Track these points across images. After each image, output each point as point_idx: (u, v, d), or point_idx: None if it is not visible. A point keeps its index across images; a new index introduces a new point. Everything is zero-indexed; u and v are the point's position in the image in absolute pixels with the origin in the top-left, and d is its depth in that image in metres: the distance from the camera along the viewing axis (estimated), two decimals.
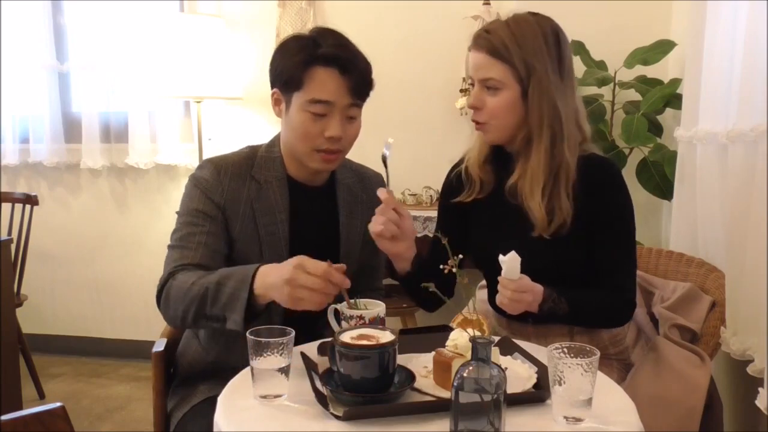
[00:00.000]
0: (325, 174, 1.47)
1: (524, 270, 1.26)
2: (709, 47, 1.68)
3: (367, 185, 1.53)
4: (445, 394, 1.02)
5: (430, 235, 2.45)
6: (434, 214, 2.47)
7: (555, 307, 1.30)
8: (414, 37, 2.86)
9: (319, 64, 1.31)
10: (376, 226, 1.29)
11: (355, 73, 1.33)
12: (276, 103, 1.40)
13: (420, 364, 1.15)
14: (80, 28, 3.22)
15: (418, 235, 2.50)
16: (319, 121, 1.33)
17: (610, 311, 1.39)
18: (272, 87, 1.39)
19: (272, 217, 1.39)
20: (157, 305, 1.34)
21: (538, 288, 1.28)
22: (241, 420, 0.99)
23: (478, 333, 1.05)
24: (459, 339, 1.07)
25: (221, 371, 1.35)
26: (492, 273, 1.48)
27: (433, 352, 1.11)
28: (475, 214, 1.48)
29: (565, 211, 1.35)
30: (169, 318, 1.34)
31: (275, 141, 1.46)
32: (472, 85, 1.41)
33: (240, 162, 1.42)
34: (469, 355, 1.03)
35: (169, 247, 1.38)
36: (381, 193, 1.29)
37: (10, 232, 2.82)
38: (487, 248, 1.43)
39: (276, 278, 1.15)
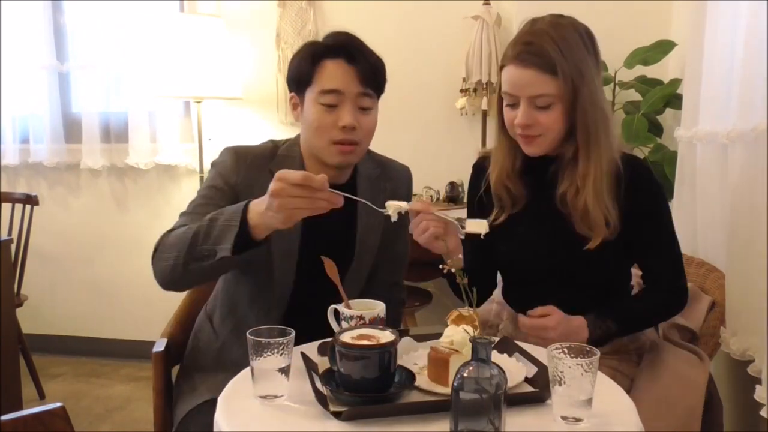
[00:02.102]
0: (346, 171, 1.46)
1: (560, 285, 1.27)
2: (709, 47, 1.68)
3: (390, 174, 1.53)
4: (443, 390, 1.02)
5: None
6: None
7: (603, 331, 1.30)
8: (414, 37, 2.87)
9: (326, 58, 1.35)
10: (423, 238, 1.25)
11: (362, 61, 1.35)
12: (294, 107, 1.43)
13: (410, 360, 1.15)
14: (80, 28, 3.23)
15: None
16: (332, 113, 1.34)
17: (660, 308, 1.40)
18: (290, 93, 1.43)
19: None
20: (151, 263, 1.33)
21: (576, 322, 1.29)
22: (241, 420, 0.99)
23: (470, 329, 1.05)
24: (454, 335, 1.07)
25: (224, 365, 1.37)
26: (517, 280, 1.50)
27: (428, 349, 1.11)
28: (505, 228, 1.42)
29: (614, 215, 1.33)
30: (160, 270, 1.31)
31: (296, 141, 1.47)
32: (511, 105, 1.34)
33: (261, 154, 1.44)
34: (464, 351, 1.03)
35: (180, 214, 1.40)
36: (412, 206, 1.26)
37: (10, 232, 2.82)
38: (524, 262, 1.44)
39: (264, 199, 1.15)
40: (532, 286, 1.44)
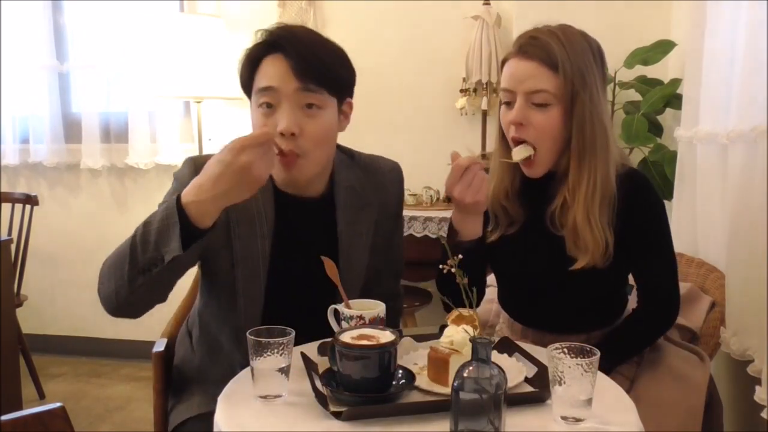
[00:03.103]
0: (321, 181, 1.31)
1: (557, 298, 1.25)
2: (709, 47, 1.68)
3: (378, 183, 1.39)
4: (443, 390, 1.02)
5: (431, 235, 2.45)
6: (434, 214, 2.49)
7: None
8: (414, 38, 2.87)
9: (264, 56, 1.21)
10: (483, 193, 1.24)
11: (300, 53, 1.17)
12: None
13: (410, 360, 1.15)
14: (80, 28, 3.24)
15: (418, 236, 2.50)
16: (270, 116, 1.19)
17: (648, 336, 1.39)
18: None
19: (251, 229, 1.25)
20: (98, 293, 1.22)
21: None
22: (241, 420, 0.99)
23: (470, 329, 1.05)
24: (455, 335, 1.07)
25: (203, 384, 1.32)
26: (511, 289, 1.48)
27: (428, 349, 1.11)
28: (501, 247, 1.39)
29: (611, 239, 1.28)
30: (105, 296, 1.20)
31: None
32: (508, 103, 1.30)
33: None
34: (464, 351, 1.03)
35: None
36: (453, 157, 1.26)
37: (10, 232, 2.82)
38: (517, 276, 1.42)
39: (222, 184, 1.04)
40: (526, 296, 1.44)
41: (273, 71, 1.19)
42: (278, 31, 1.22)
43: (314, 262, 1.25)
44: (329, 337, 1.11)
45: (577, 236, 1.28)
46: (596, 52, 1.30)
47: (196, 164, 1.27)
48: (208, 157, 1.25)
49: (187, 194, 1.08)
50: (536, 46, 1.26)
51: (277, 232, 1.29)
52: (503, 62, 1.33)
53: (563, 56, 1.24)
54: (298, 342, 1.10)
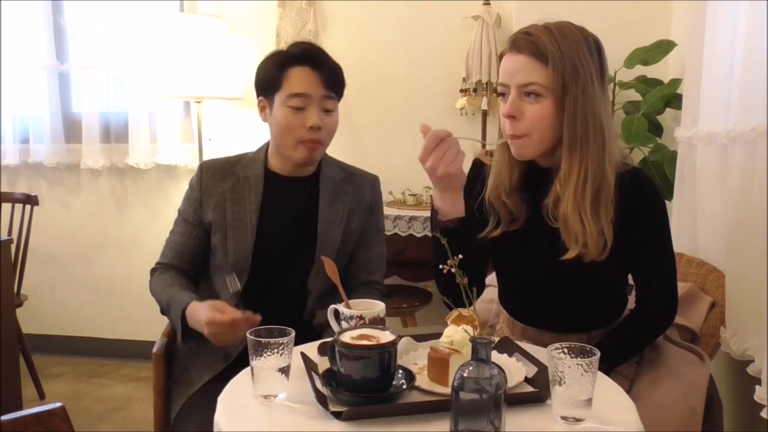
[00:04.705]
0: (309, 168, 1.59)
1: (557, 297, 1.25)
2: (709, 47, 1.68)
3: (355, 181, 1.65)
4: (443, 390, 1.02)
5: (431, 235, 2.44)
6: None
7: None
8: (414, 38, 2.87)
9: (293, 65, 1.50)
10: (454, 166, 1.26)
11: (326, 68, 1.51)
12: (262, 109, 1.57)
13: (410, 360, 1.15)
14: (80, 28, 3.23)
15: (418, 236, 2.50)
16: (299, 114, 1.49)
17: (645, 332, 1.38)
18: (258, 97, 1.57)
19: (242, 206, 1.55)
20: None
21: None
22: (241, 420, 0.99)
23: (470, 329, 1.05)
24: (454, 335, 1.07)
25: (207, 345, 1.45)
26: (512, 288, 1.48)
27: (428, 349, 1.11)
28: (502, 244, 1.40)
29: (608, 233, 1.27)
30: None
31: (265, 144, 1.62)
32: (502, 94, 1.32)
33: (226, 162, 1.62)
34: (464, 351, 1.03)
35: (171, 230, 1.63)
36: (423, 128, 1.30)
37: (10, 232, 2.82)
38: (518, 273, 1.43)
39: (200, 321, 1.38)
40: (528, 295, 1.44)
41: (305, 80, 1.49)
42: (309, 48, 1.55)
43: (296, 227, 1.56)
44: (307, 294, 1.49)
45: (567, 227, 1.28)
46: (593, 46, 1.30)
47: (202, 168, 1.61)
48: (218, 161, 1.63)
49: (191, 311, 1.43)
50: (528, 40, 1.27)
51: (265, 204, 1.57)
52: (500, 58, 1.35)
53: (553, 49, 1.25)
54: (298, 342, 1.10)
